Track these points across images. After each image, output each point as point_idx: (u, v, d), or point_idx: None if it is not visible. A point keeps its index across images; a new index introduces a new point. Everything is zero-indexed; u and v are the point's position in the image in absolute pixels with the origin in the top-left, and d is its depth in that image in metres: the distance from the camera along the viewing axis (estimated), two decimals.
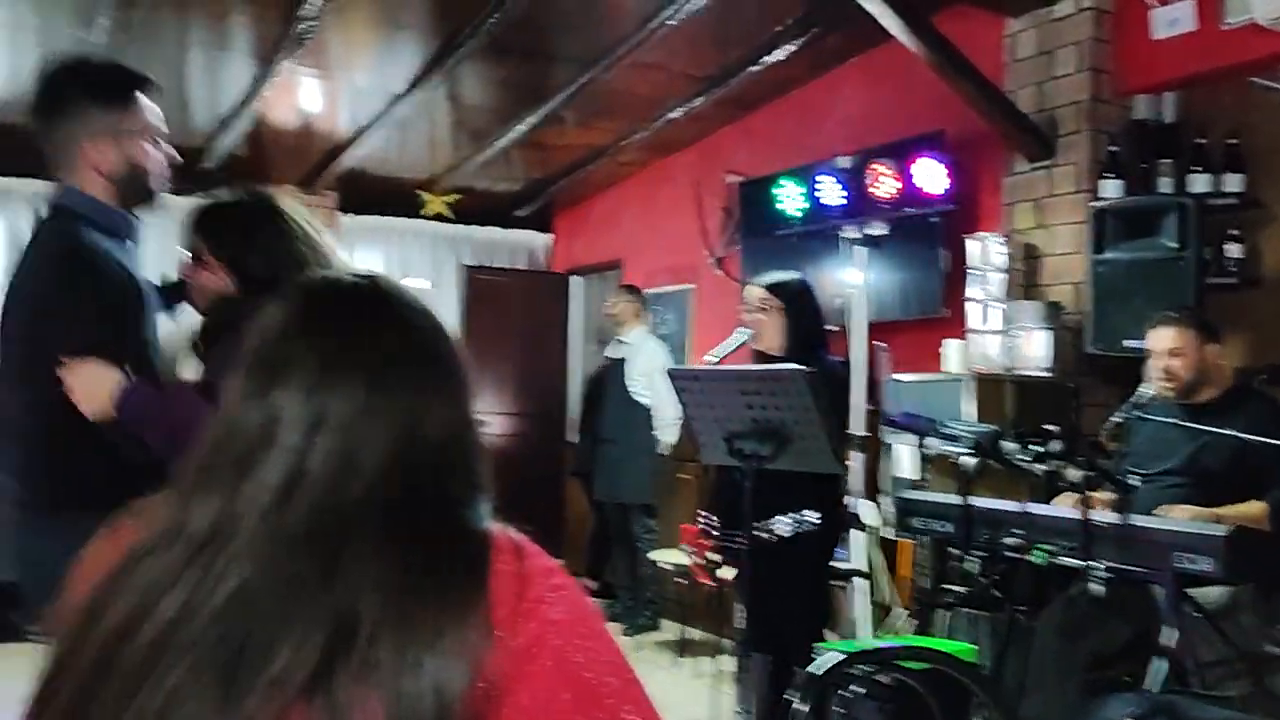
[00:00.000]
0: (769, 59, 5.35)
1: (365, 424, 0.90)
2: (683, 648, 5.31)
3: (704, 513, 3.35)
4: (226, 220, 2.08)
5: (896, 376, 4.44)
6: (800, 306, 3.32)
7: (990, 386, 4.16)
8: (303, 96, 5.93)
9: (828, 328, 3.47)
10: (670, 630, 5.67)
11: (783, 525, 3.11)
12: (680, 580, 5.25)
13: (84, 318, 1.98)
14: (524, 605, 0.87)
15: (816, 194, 5.14)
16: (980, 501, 3.15)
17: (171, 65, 5.51)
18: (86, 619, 0.86)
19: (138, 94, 2.12)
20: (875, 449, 4.19)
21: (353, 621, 0.82)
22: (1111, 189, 4.22)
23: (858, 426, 3.90)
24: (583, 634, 0.89)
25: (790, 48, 5.22)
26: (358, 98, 6.03)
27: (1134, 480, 3.03)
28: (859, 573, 3.88)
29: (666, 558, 5.51)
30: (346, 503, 0.88)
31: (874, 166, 4.75)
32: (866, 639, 3.28)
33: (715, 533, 3.32)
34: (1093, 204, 4.19)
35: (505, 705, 0.84)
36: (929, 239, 4.87)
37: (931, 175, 4.60)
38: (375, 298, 0.98)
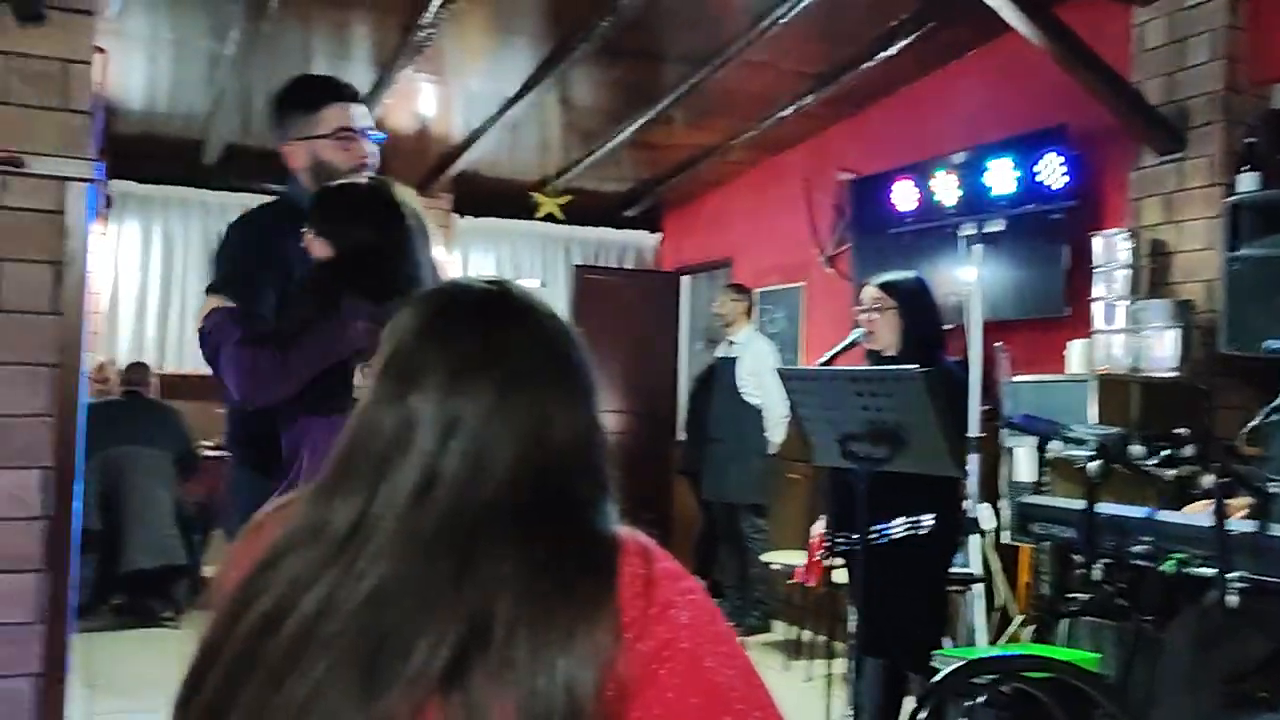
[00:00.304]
0: (882, 55, 5.27)
1: (496, 427, 0.92)
2: (794, 650, 5.27)
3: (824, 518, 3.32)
4: (328, 201, 2.26)
5: (1015, 378, 4.33)
6: (915, 306, 3.26)
7: (1115, 388, 4.01)
8: (420, 102, 6.08)
9: (944, 327, 3.40)
10: (780, 631, 5.64)
11: (896, 528, 3.06)
12: (791, 581, 5.21)
13: (221, 265, 2.38)
14: (653, 609, 0.88)
15: (931, 191, 5.04)
16: (1105, 507, 3.05)
17: (297, 74, 5.70)
18: (234, 610, 0.91)
19: (328, 102, 2.42)
20: (993, 452, 4.09)
21: (487, 620, 0.85)
22: (1248, 182, 4.03)
23: (975, 429, 3.83)
24: (711, 638, 0.90)
25: (904, 43, 5.13)
26: (472, 102, 6.16)
27: (1275, 488, 2.89)
28: (976, 578, 3.81)
29: (777, 558, 5.48)
30: (479, 504, 0.90)
31: (992, 162, 4.64)
32: (985, 646, 3.21)
33: (828, 535, 3.29)
34: (1227, 198, 4.01)
35: (634, 707, 0.85)
36: (1050, 236, 4.73)
37: (1053, 170, 4.48)
38: (504, 303, 1.00)
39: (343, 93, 2.47)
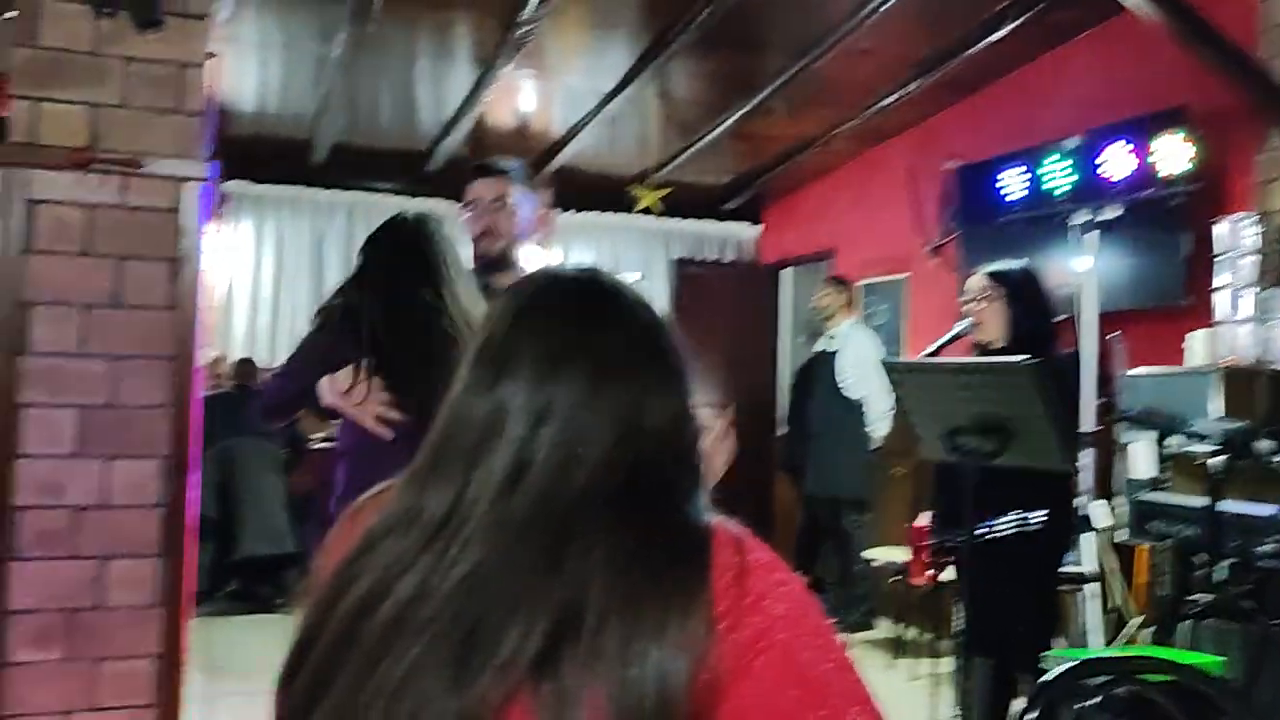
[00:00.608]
0: (990, 39, 5.12)
1: (588, 416, 0.91)
2: (898, 648, 5.17)
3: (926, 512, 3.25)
4: (375, 237, 2.60)
5: (1132, 370, 4.16)
6: (1025, 296, 3.15)
7: (1241, 380, 3.83)
8: (520, 98, 6.14)
9: (1056, 319, 3.28)
10: (884, 629, 5.55)
11: (1004, 524, 2.98)
12: (895, 579, 5.12)
13: None
14: (746, 599, 0.87)
15: (1042, 177, 4.89)
16: (1230, 505, 2.91)
17: (400, 75, 5.82)
18: (331, 594, 0.92)
19: (473, 180, 2.79)
20: (1108, 447, 3.95)
21: (578, 609, 0.84)
22: None
23: (1088, 423, 3.69)
24: (808, 631, 0.88)
25: (1013, 25, 4.98)
26: (571, 97, 6.19)
27: None
28: (1090, 577, 3.67)
29: (880, 554, 5.38)
30: (570, 493, 0.89)
31: (1107, 146, 4.47)
32: (1099, 647, 3.09)
33: (934, 532, 3.22)
34: None
35: (729, 699, 0.84)
36: (1169, 222, 4.54)
37: (1172, 154, 4.29)
38: (596, 292, 0.99)
39: (474, 171, 2.83)
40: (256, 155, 6.97)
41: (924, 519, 3.26)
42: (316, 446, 6.35)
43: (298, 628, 0.94)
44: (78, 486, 2.77)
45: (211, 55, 3.02)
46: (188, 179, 2.83)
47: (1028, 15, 4.89)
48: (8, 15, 2.78)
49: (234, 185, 7.15)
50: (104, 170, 2.76)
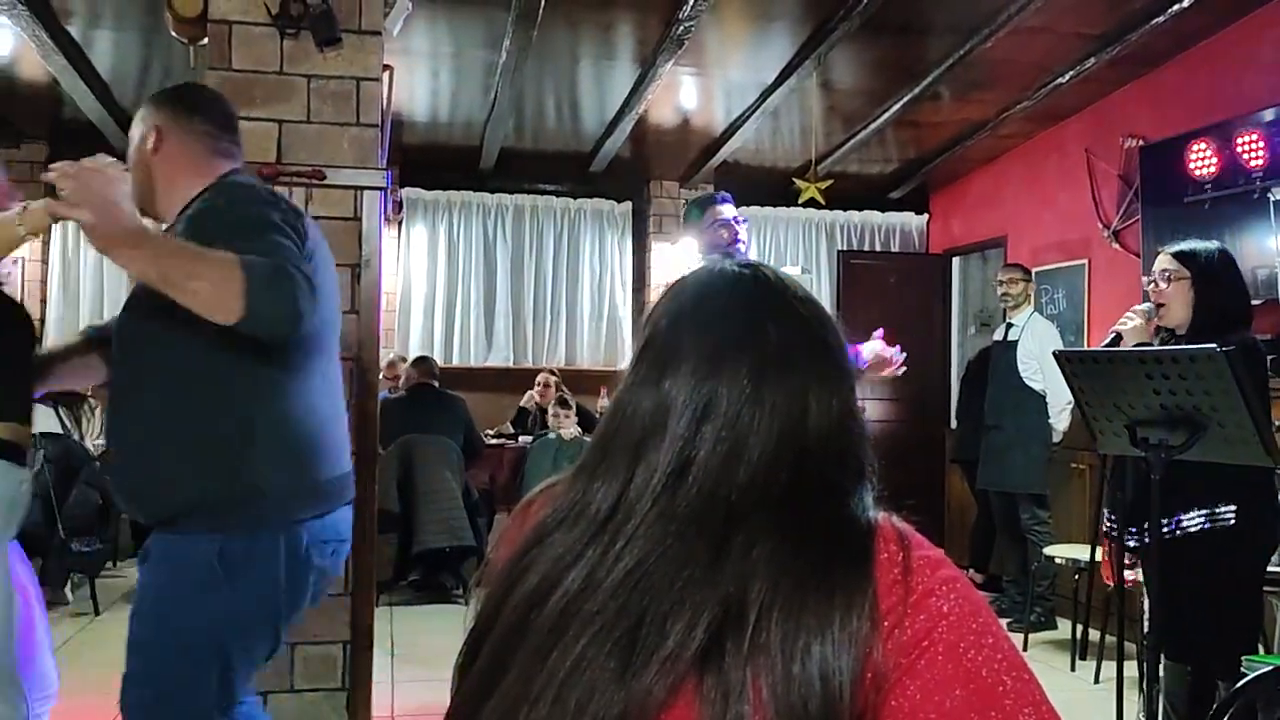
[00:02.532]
0: (1175, 8, 4.83)
1: (751, 412, 0.91)
2: (1082, 650, 4.96)
3: (1107, 511, 3.10)
4: None
5: None
6: (1213, 277, 2.95)
7: None
8: (681, 95, 6.17)
9: (1247, 301, 3.07)
10: (1065, 630, 5.32)
11: (1192, 521, 2.81)
12: (1078, 576, 4.90)
13: None
14: (912, 596, 0.85)
15: (1234, 153, 4.59)
16: None
17: (564, 77, 5.94)
18: (505, 586, 0.95)
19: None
20: None
21: (741, 604, 0.84)
22: None
23: None
24: (976, 629, 0.85)
25: None
26: (732, 91, 6.18)
27: None
28: None
29: (1061, 552, 5.17)
30: (733, 488, 0.90)
31: None
32: None
33: (1114, 530, 3.07)
34: None
35: (893, 697, 0.83)
36: None
37: None
38: (759, 287, 0.99)
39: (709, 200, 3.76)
40: (430, 163, 7.26)
41: (1106, 516, 3.11)
42: (492, 443, 6.56)
43: (474, 617, 0.98)
44: None
45: (386, 68, 3.17)
46: (366, 188, 2.98)
47: None
48: (201, 42, 2.98)
49: (410, 193, 7.47)
50: (290, 183, 2.93)
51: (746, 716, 0.81)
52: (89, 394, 5.93)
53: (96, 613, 5.31)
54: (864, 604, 0.84)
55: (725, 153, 6.97)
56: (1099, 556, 4.35)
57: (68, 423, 5.74)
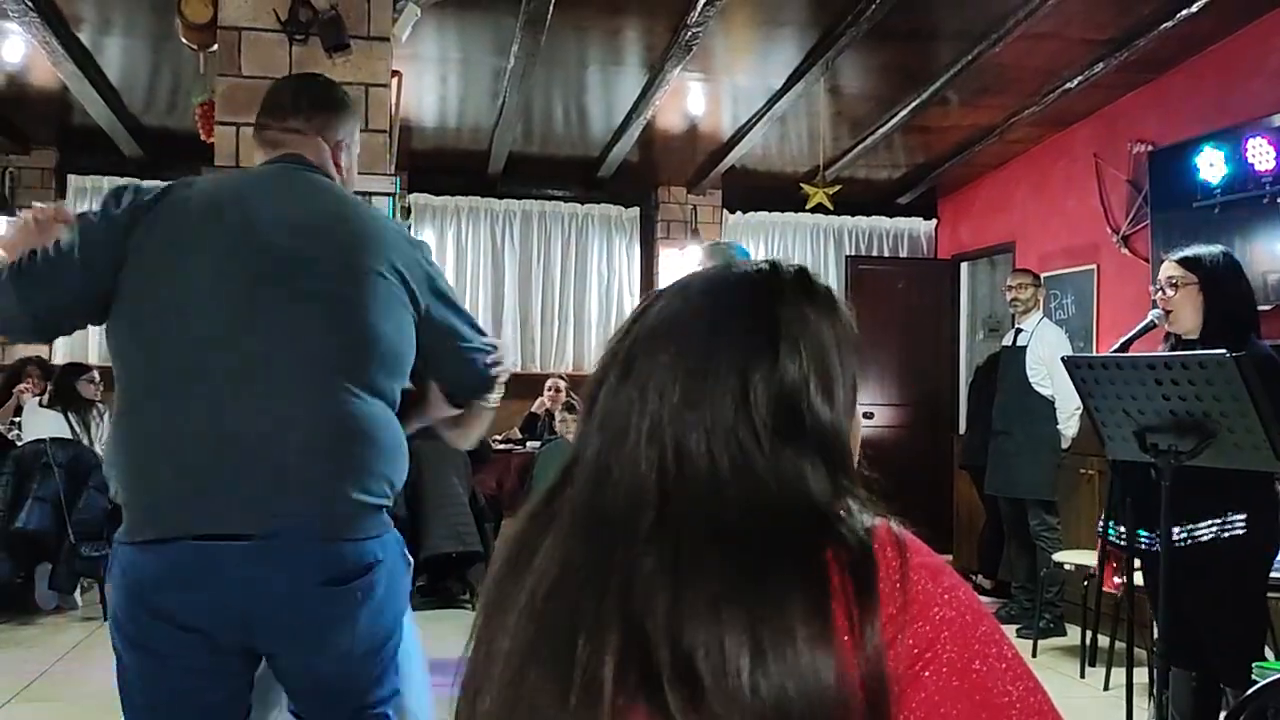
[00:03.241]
0: (1183, 13, 4.82)
1: (699, 417, 0.88)
2: (1091, 656, 4.94)
3: (1105, 517, 3.09)
4: None
5: None
6: (1221, 282, 2.93)
7: None
8: (689, 100, 6.18)
9: (1256, 307, 3.06)
10: (1075, 636, 5.30)
11: (1202, 529, 2.80)
12: (1087, 582, 4.89)
13: None
14: (913, 606, 0.83)
15: (1244, 158, 4.58)
16: None
17: (572, 83, 5.95)
18: (492, 597, 0.93)
19: None
20: None
21: (671, 627, 0.81)
22: None
23: None
24: (980, 638, 0.83)
25: None
26: (739, 97, 6.19)
27: None
28: None
29: (1070, 558, 5.15)
30: (717, 495, 0.86)
31: None
32: None
33: (1119, 536, 3.05)
34: None
35: (897, 711, 0.81)
36: None
37: None
38: (718, 289, 0.97)
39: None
40: (438, 168, 7.27)
41: (1108, 523, 3.10)
42: (500, 448, 6.56)
43: (471, 631, 0.96)
44: None
45: (395, 74, 3.17)
46: (376, 193, 2.98)
47: None
48: (211, 49, 3.00)
49: (419, 198, 7.48)
50: None
51: None
52: (98, 399, 5.96)
53: (105, 617, 5.32)
54: (870, 610, 0.81)
55: (733, 158, 6.98)
56: (1085, 560, 4.34)
57: (77, 428, 5.77)
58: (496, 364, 2.02)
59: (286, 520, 1.69)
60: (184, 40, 3.13)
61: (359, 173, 2.90)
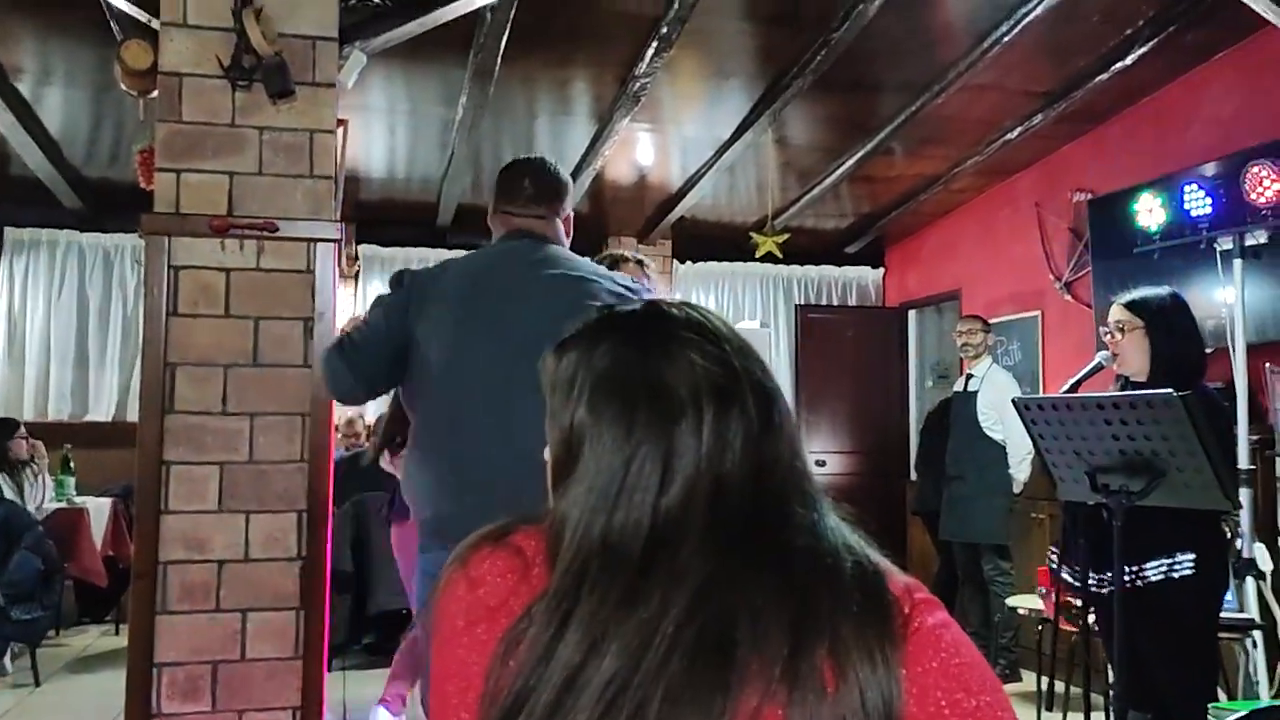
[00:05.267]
0: (1118, 66, 4.96)
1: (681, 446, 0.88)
2: (1048, 701, 4.92)
3: (1053, 550, 3.08)
4: None
5: None
6: (1166, 325, 2.97)
7: None
8: (638, 150, 6.21)
9: (1202, 347, 3.09)
10: (1031, 681, 5.29)
11: (1151, 570, 2.80)
12: (1041, 627, 4.88)
13: None
14: (916, 637, 0.85)
15: (1181, 205, 4.68)
16: None
17: (521, 134, 5.96)
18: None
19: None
20: (1269, 486, 3.71)
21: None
22: None
23: (1245, 460, 3.48)
24: (976, 684, 0.85)
25: (1142, 50, 4.81)
26: (688, 148, 6.23)
27: None
28: (1255, 624, 3.44)
29: (1025, 603, 5.16)
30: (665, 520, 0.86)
31: (1250, 169, 4.25)
32: (1270, 700, 2.87)
33: (1068, 576, 3.05)
34: None
35: None
36: None
37: None
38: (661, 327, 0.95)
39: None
40: (387, 219, 7.22)
41: (1049, 561, 3.10)
42: None
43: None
44: (220, 541, 2.86)
45: (341, 122, 3.14)
46: (319, 239, 2.94)
47: (1158, 39, 4.72)
48: (151, 95, 2.95)
49: (367, 249, 7.41)
50: (242, 235, 2.88)
51: None
52: (31, 458, 5.78)
53: (37, 683, 5.11)
54: (888, 639, 0.83)
55: (683, 208, 7.01)
56: (1039, 605, 4.34)
57: (7, 489, 5.58)
58: None
59: None
60: (124, 86, 3.08)
61: (307, 219, 2.86)
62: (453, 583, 0.92)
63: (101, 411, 7.03)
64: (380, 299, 2.37)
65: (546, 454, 0.95)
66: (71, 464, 6.25)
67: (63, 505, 5.92)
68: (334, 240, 2.95)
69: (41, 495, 5.78)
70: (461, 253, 8.13)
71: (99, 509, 6.05)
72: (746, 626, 0.81)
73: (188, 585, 2.84)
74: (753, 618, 0.81)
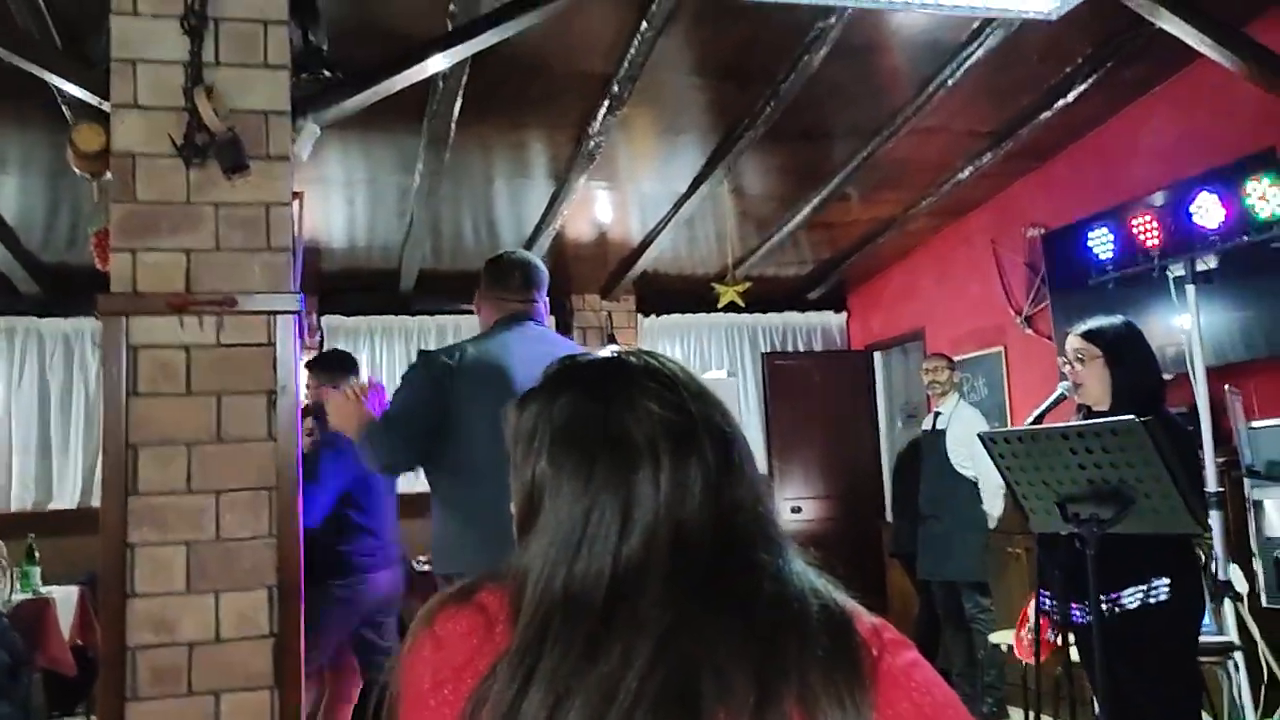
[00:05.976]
0: (1060, 103, 5.08)
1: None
2: None
3: (1041, 590, 3.09)
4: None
5: (1253, 423, 3.97)
6: (1123, 353, 3.00)
7: None
8: (597, 209, 6.25)
9: (1160, 375, 3.13)
10: (1018, 718, 5.26)
11: (1127, 598, 2.81)
12: (1025, 662, 4.87)
13: None
14: (886, 679, 0.85)
15: (1132, 235, 4.76)
16: None
17: (480, 197, 5.99)
18: None
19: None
20: (1238, 507, 3.74)
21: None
22: None
23: (1213, 483, 3.51)
24: (946, 702, 0.86)
25: (1082, 87, 4.93)
26: (646, 203, 6.29)
27: None
28: (1235, 646, 3.45)
29: (1006, 639, 5.14)
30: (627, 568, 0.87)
31: (1196, 197, 4.34)
32: None
33: (1048, 609, 3.05)
34: None
35: None
36: (1272, 266, 4.37)
37: (1266, 196, 4.15)
38: (619, 375, 0.95)
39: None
40: (349, 288, 7.21)
41: (1031, 597, 3.10)
42: (421, 569, 6.37)
43: None
44: (190, 622, 2.81)
45: (297, 194, 3.14)
46: (279, 312, 2.92)
47: (1096, 76, 4.84)
48: (105, 177, 2.94)
49: (331, 320, 7.39)
50: (201, 312, 2.87)
51: None
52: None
53: None
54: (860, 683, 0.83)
55: (644, 263, 7.05)
56: (1012, 640, 4.34)
57: None
58: None
59: None
60: (77, 170, 3.07)
61: (266, 293, 2.86)
62: (419, 643, 0.92)
63: (66, 499, 6.90)
64: (409, 379, 2.80)
65: (512, 508, 0.95)
66: (36, 554, 6.12)
67: (28, 596, 5.79)
68: (294, 311, 2.93)
69: (7, 589, 5.65)
70: (425, 318, 8.10)
71: (66, 597, 5.91)
72: (710, 678, 0.80)
73: (158, 670, 2.78)
74: (716, 669, 0.80)
